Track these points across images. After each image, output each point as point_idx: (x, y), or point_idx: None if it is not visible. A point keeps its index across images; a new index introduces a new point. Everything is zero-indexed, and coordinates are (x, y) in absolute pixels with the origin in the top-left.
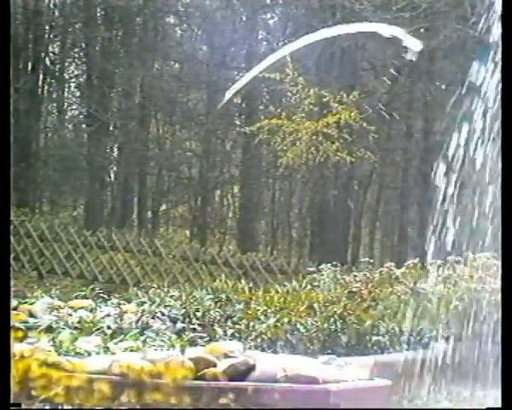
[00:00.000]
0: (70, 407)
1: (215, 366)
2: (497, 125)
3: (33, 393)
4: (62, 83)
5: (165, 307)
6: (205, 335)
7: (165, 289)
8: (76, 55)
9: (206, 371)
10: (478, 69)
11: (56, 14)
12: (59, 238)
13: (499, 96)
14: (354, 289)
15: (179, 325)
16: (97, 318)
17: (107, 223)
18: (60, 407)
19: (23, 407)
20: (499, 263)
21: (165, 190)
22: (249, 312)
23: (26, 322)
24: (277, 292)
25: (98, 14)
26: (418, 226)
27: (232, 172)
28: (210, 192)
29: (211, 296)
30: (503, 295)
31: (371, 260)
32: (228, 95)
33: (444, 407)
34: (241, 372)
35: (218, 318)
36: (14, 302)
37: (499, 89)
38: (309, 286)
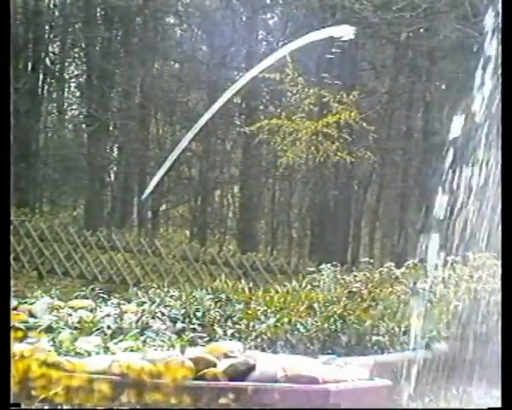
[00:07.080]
0: (70, 407)
1: (215, 366)
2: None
3: (33, 393)
4: (62, 83)
5: (165, 307)
6: (205, 335)
7: (165, 289)
8: (76, 55)
9: (206, 371)
10: None
11: (56, 14)
12: (59, 238)
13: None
14: (354, 289)
15: (179, 325)
16: (97, 318)
17: (107, 223)
18: (60, 407)
19: (23, 406)
20: (499, 263)
21: (165, 190)
22: (249, 312)
23: (26, 322)
24: (277, 292)
25: (98, 14)
26: (418, 226)
27: (232, 172)
28: (210, 192)
29: (211, 296)
30: (503, 295)
31: (371, 260)
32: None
33: (444, 407)
34: (241, 372)
35: (218, 318)
36: (14, 302)
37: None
38: (309, 286)
